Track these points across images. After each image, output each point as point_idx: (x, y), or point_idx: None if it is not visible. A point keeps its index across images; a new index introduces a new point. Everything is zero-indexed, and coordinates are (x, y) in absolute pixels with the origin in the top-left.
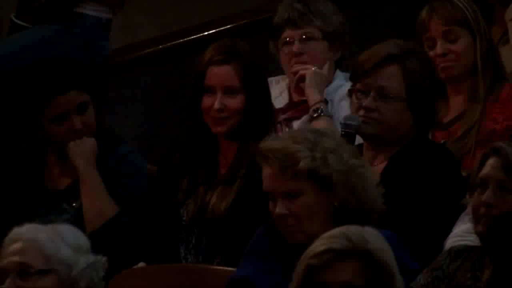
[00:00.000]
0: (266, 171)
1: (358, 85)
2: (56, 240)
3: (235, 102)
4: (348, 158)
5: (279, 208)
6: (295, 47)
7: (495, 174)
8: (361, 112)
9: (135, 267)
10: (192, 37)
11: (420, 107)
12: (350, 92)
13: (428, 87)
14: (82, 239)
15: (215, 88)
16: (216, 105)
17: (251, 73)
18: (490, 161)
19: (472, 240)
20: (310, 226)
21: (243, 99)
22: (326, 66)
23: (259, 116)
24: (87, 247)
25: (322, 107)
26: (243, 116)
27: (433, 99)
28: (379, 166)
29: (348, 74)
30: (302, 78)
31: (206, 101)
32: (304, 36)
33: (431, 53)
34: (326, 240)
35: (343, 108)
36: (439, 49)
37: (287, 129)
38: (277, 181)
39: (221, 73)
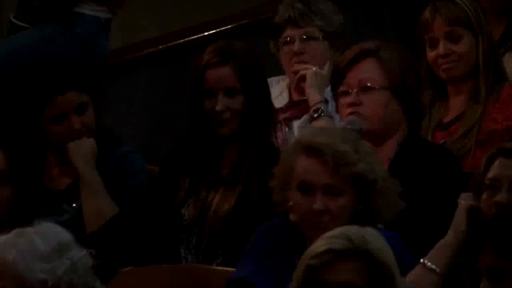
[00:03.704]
0: (311, 162)
1: (340, 89)
2: (28, 255)
3: (236, 102)
4: (380, 164)
5: (319, 204)
6: (296, 47)
7: (510, 174)
8: (348, 110)
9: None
10: (192, 37)
11: (405, 94)
12: (335, 97)
13: (408, 74)
14: (55, 242)
15: (215, 90)
16: (218, 107)
17: (249, 73)
18: (500, 162)
19: None
20: (336, 226)
21: (243, 99)
22: (326, 66)
23: (260, 116)
24: (63, 246)
25: (322, 107)
26: (245, 116)
27: (416, 87)
28: None
29: None
30: (303, 78)
31: (208, 104)
32: (304, 36)
33: (433, 53)
34: (326, 241)
35: None
36: (441, 49)
37: (287, 129)
38: (324, 176)
39: (219, 75)
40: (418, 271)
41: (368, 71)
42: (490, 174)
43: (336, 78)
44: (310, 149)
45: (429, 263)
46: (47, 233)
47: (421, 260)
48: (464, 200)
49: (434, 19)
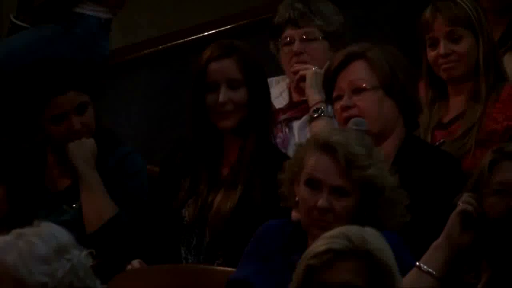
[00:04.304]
0: (323, 160)
1: (333, 94)
2: (28, 257)
3: (238, 95)
4: (393, 173)
5: (324, 201)
6: (296, 47)
7: None
8: (343, 115)
9: (132, 262)
10: (192, 37)
11: (398, 91)
12: (332, 104)
13: (398, 71)
14: (55, 243)
15: (218, 82)
16: (221, 98)
17: (251, 66)
18: (508, 166)
19: None
20: (338, 226)
21: (246, 92)
22: (326, 66)
23: (261, 111)
24: (62, 248)
25: (322, 107)
26: (247, 110)
27: (408, 83)
28: None
29: None
30: (303, 78)
31: (210, 98)
32: (304, 36)
33: (434, 53)
34: (326, 240)
35: None
36: (442, 49)
37: (287, 129)
38: (335, 175)
39: (222, 67)
40: (415, 274)
41: (357, 73)
42: (499, 178)
43: (328, 85)
44: (325, 147)
45: (425, 267)
46: (46, 234)
47: (417, 264)
48: (462, 202)
49: (435, 19)
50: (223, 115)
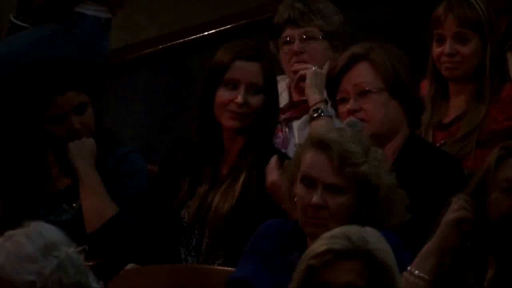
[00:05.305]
0: (318, 157)
1: (337, 96)
2: (15, 258)
3: (256, 100)
4: (390, 172)
5: (317, 198)
6: (296, 46)
7: None
8: (349, 118)
9: (125, 268)
10: (192, 37)
11: (403, 91)
12: (334, 106)
13: (401, 70)
14: (42, 241)
15: (238, 82)
16: (240, 99)
17: (272, 76)
18: None
19: None
20: (335, 225)
21: (262, 99)
22: (326, 66)
23: (270, 119)
24: (50, 245)
25: (322, 107)
26: (257, 116)
27: (411, 81)
28: None
29: None
30: (302, 78)
31: (225, 94)
32: (304, 36)
33: (439, 50)
34: (327, 241)
35: None
36: (447, 48)
37: (287, 129)
38: (328, 172)
39: (249, 68)
40: (406, 279)
41: (362, 75)
42: (505, 176)
43: (331, 87)
44: (320, 144)
45: (416, 271)
46: (33, 234)
47: (408, 268)
48: (457, 207)
49: (446, 17)
50: (233, 114)
